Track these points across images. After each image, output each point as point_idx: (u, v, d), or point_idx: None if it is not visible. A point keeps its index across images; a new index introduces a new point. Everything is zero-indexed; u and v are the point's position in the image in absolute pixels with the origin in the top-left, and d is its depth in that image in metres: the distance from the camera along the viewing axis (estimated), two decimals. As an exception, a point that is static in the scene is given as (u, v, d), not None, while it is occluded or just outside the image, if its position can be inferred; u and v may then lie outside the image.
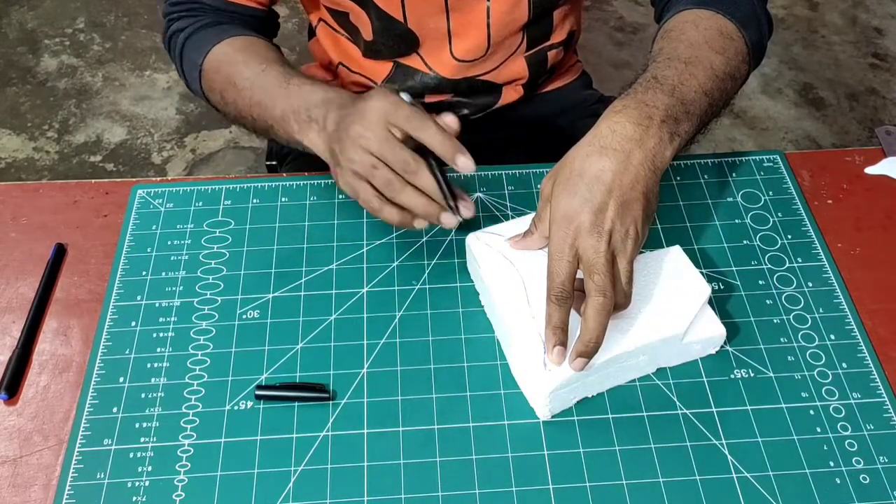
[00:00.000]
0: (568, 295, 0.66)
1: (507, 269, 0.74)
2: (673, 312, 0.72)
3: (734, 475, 0.68)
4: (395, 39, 0.96)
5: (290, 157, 1.12)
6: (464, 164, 0.73)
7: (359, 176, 0.75)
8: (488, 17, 0.94)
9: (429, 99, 1.03)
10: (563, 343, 0.67)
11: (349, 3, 0.94)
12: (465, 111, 1.04)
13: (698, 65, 0.76)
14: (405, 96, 0.75)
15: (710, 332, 0.73)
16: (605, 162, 0.68)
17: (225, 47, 0.89)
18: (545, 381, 0.68)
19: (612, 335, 0.68)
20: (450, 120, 0.75)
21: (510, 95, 1.04)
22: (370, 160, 0.73)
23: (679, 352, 0.73)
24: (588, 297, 0.66)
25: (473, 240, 0.78)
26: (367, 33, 0.97)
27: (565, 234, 0.67)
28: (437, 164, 0.74)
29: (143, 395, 0.72)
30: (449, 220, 0.74)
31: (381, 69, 1.01)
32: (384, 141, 0.73)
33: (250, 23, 0.94)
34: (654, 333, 0.70)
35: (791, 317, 0.78)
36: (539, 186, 0.87)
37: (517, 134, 1.09)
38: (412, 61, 0.99)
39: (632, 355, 0.70)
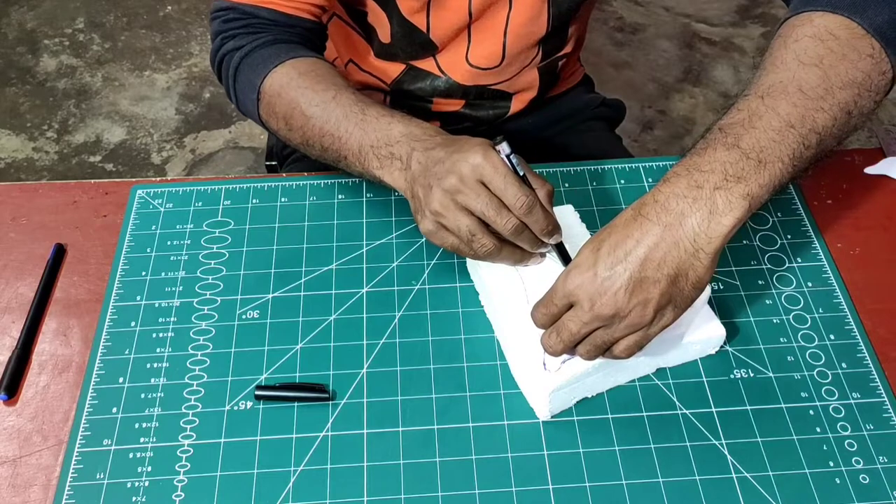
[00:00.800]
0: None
1: (508, 270, 0.74)
2: None
3: (734, 475, 0.68)
4: (413, 46, 0.96)
5: (290, 158, 1.12)
6: (555, 240, 0.71)
7: (445, 228, 0.71)
8: (506, 29, 0.93)
9: (437, 106, 1.02)
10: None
11: (371, 3, 0.93)
12: (469, 124, 1.04)
13: (790, 96, 0.64)
14: (504, 147, 0.69)
15: (709, 333, 0.73)
16: (635, 232, 0.62)
17: (288, 69, 0.83)
18: (545, 382, 0.68)
19: None
20: (545, 193, 0.70)
21: (518, 105, 1.04)
22: (466, 222, 0.69)
23: (679, 352, 0.73)
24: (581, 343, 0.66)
25: None
26: (384, 36, 0.96)
27: (569, 291, 0.63)
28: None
29: (142, 396, 0.72)
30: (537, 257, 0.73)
31: (393, 70, 1.00)
32: (487, 201, 0.68)
33: (306, 36, 0.89)
34: None
35: (791, 317, 0.78)
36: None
37: (520, 138, 1.09)
38: (426, 64, 0.98)
39: None
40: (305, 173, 0.91)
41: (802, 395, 0.73)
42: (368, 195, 0.88)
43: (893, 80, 0.68)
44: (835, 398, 0.72)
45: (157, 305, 0.79)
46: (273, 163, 1.17)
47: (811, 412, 0.71)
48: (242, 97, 0.87)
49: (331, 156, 0.80)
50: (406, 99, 1.02)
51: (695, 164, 0.62)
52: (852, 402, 0.72)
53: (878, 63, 0.66)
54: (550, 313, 0.66)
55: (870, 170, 0.91)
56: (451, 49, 0.96)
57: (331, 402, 0.72)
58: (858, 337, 0.76)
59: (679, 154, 0.74)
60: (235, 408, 0.72)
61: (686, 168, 0.63)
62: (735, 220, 0.61)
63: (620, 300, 0.61)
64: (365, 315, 0.78)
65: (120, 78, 2.25)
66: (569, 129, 1.10)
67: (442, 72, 0.98)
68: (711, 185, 0.61)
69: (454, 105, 1.02)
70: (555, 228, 0.70)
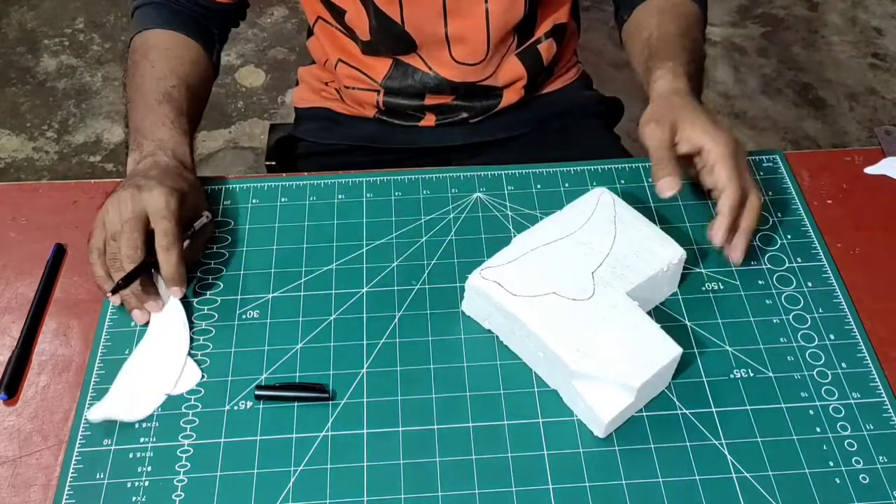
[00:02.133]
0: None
1: (541, 295, 0.72)
2: (651, 252, 0.76)
3: (734, 475, 0.68)
4: (392, 39, 0.96)
5: (290, 156, 1.12)
6: (175, 293, 0.77)
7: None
8: (487, 20, 0.94)
9: (429, 101, 1.03)
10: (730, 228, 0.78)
11: (348, 1, 0.94)
12: (465, 115, 1.04)
13: (693, 44, 0.92)
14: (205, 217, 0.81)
15: (671, 256, 0.76)
16: (695, 103, 0.84)
17: (159, 36, 0.92)
18: (615, 404, 0.68)
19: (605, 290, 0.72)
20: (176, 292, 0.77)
21: (511, 97, 1.04)
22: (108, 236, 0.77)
23: (659, 286, 0.76)
24: (752, 194, 0.79)
25: (478, 280, 0.74)
26: (363, 33, 0.97)
27: (729, 139, 0.79)
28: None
29: (142, 396, 0.72)
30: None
31: (381, 66, 1.00)
32: (125, 231, 0.76)
33: (207, 16, 0.96)
34: (642, 275, 0.74)
35: (791, 317, 0.78)
36: (538, 186, 0.88)
37: (517, 134, 1.09)
38: (412, 60, 0.99)
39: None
40: (305, 173, 0.91)
41: (802, 394, 0.73)
42: (368, 195, 0.88)
43: (705, 21, 0.98)
44: (835, 398, 0.72)
45: (157, 305, 0.79)
46: (273, 163, 1.17)
47: (811, 412, 0.71)
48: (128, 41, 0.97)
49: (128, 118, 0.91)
50: (398, 97, 1.02)
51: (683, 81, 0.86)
52: (852, 401, 0.72)
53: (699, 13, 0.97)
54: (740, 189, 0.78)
55: (870, 170, 0.91)
56: (434, 48, 0.97)
57: (331, 402, 0.72)
58: (858, 337, 0.76)
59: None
60: (235, 408, 0.72)
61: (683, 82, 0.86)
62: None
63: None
64: (365, 315, 0.78)
65: (120, 78, 2.25)
66: (566, 127, 1.10)
67: (429, 67, 0.99)
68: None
69: (446, 98, 1.02)
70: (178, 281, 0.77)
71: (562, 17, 1.03)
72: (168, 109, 0.86)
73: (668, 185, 0.77)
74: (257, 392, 0.72)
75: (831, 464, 0.68)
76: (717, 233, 0.77)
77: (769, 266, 0.82)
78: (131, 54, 0.92)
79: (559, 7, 1.02)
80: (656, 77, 0.86)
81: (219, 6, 0.96)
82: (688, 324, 0.77)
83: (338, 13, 0.98)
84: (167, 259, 0.75)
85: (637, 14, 0.98)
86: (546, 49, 1.03)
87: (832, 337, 0.76)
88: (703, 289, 0.80)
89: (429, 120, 1.05)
